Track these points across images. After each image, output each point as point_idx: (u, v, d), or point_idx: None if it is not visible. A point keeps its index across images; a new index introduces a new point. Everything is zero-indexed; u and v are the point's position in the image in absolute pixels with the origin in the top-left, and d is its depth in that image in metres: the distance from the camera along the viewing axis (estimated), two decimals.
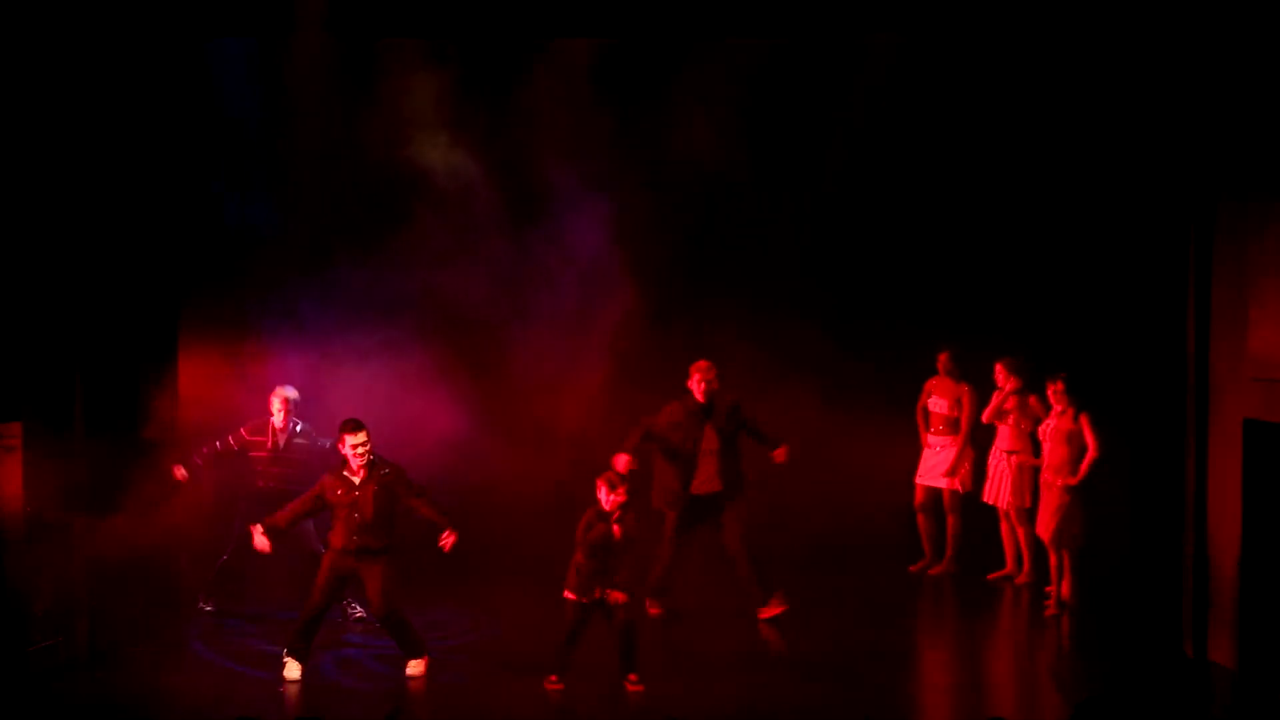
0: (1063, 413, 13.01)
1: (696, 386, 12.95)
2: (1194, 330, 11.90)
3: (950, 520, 14.38)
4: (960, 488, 14.30)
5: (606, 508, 11.36)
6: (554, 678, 11.37)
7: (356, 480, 11.54)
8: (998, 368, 13.85)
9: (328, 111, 14.33)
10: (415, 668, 11.61)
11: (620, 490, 11.37)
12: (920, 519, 14.51)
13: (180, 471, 12.68)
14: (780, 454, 13.07)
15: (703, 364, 13.03)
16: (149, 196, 12.92)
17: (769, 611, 12.93)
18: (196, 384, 13.65)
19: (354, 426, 11.56)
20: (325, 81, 14.01)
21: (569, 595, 11.42)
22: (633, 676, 11.36)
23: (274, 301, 14.53)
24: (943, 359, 14.33)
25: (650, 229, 14.78)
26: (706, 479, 12.96)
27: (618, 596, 11.37)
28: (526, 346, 14.83)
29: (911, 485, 14.55)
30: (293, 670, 11.54)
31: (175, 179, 13.47)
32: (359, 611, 12.70)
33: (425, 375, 14.21)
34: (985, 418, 13.95)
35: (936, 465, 14.39)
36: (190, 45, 13.46)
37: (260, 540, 11.59)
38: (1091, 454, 12.87)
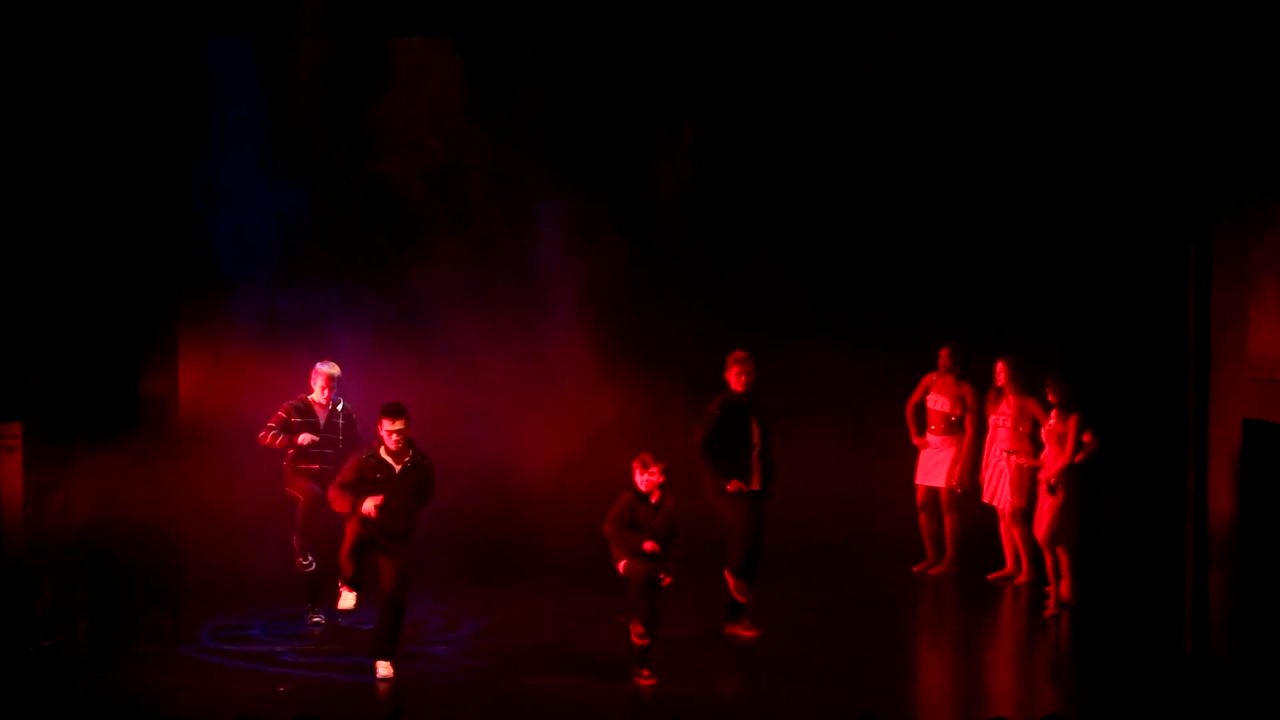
0: (1062, 415, 12.98)
1: (735, 379, 12.17)
2: (1194, 330, 11.89)
3: (948, 520, 14.35)
4: (959, 487, 14.26)
5: (644, 489, 11.14)
6: (646, 672, 11.19)
7: (394, 465, 11.26)
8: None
9: (327, 111, 14.33)
10: (385, 669, 11.34)
11: (654, 469, 11.08)
12: (922, 519, 14.49)
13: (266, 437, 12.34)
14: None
15: (739, 354, 12.19)
16: (149, 196, 12.92)
17: (732, 629, 12.36)
18: (196, 384, 13.65)
19: (394, 412, 11.20)
20: (325, 81, 14.01)
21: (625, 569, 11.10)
22: (645, 671, 11.23)
23: (274, 302, 14.52)
24: (944, 355, 14.26)
25: (648, 234, 14.80)
26: (753, 476, 12.22)
27: (666, 580, 11.07)
28: (526, 351, 14.83)
29: (912, 485, 14.53)
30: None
31: (176, 179, 13.48)
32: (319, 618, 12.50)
33: (422, 377, 14.20)
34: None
35: (937, 465, 14.36)
36: (191, 43, 13.47)
37: (370, 516, 11.10)
38: (1089, 447, 12.80)
